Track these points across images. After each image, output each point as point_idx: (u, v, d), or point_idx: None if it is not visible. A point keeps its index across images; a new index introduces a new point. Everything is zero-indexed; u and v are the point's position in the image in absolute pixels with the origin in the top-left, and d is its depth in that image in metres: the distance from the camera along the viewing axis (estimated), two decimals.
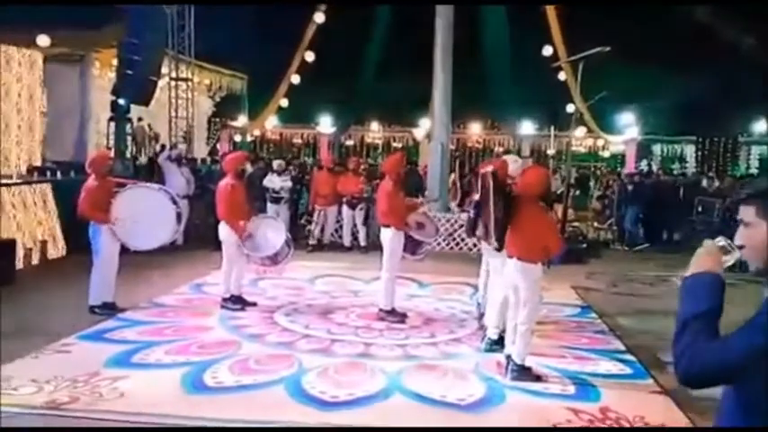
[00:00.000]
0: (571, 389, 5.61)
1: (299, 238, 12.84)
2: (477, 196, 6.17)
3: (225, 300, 7.66)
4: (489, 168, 5.78)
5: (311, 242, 12.54)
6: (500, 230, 5.59)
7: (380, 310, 7.53)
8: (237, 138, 25.71)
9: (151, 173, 12.40)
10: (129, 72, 11.68)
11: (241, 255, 7.64)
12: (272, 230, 7.67)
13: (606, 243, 14.49)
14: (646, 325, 7.89)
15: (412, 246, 7.60)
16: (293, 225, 12.83)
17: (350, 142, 27.30)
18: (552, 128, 17.90)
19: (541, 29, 22.55)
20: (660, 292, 10.08)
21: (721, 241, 1.94)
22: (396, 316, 7.44)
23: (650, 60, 22.28)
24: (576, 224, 15.07)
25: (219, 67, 20.56)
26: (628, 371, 6.20)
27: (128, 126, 13.08)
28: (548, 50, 21.92)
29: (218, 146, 23.14)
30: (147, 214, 7.35)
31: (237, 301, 7.68)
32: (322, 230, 12.68)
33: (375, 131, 27.11)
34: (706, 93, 23.02)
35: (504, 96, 24.00)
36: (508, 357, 5.80)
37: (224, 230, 7.53)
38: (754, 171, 23.84)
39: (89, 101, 14.37)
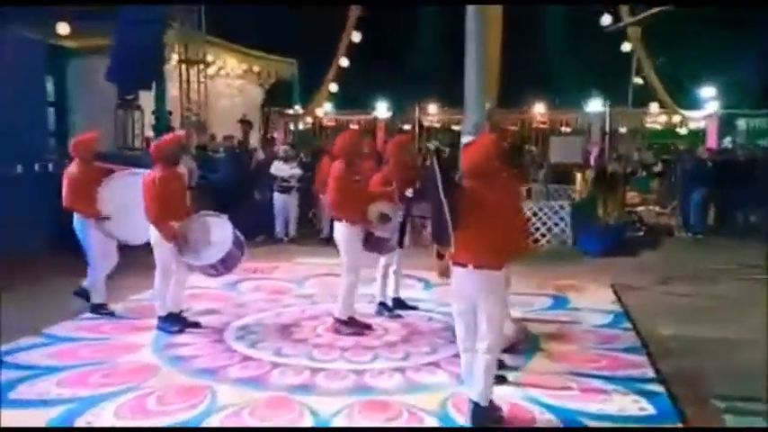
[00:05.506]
0: None
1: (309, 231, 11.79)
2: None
3: (161, 319, 6.25)
4: (431, 145, 4.28)
5: (321, 236, 11.22)
6: (454, 225, 4.08)
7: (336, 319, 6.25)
8: (291, 126, 24.88)
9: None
10: (124, 54, 10.67)
11: (178, 263, 6.16)
12: (215, 232, 6.14)
13: (669, 229, 12.56)
14: (696, 338, 6.19)
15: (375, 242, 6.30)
16: (303, 217, 11.75)
17: (407, 126, 25.87)
18: (607, 103, 15.96)
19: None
20: (726, 290, 8.22)
21: None
22: (353, 326, 6.09)
23: (729, 25, 19.83)
24: (639, 209, 13.32)
25: (266, 54, 19.49)
26: (650, 410, 4.58)
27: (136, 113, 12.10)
28: (606, 19, 19.87)
29: (274, 135, 22.20)
30: (137, 205, 6.20)
31: (176, 322, 6.26)
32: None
33: (432, 114, 25.54)
34: None
35: (567, 73, 22.21)
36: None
37: (154, 234, 6.11)
38: None
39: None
